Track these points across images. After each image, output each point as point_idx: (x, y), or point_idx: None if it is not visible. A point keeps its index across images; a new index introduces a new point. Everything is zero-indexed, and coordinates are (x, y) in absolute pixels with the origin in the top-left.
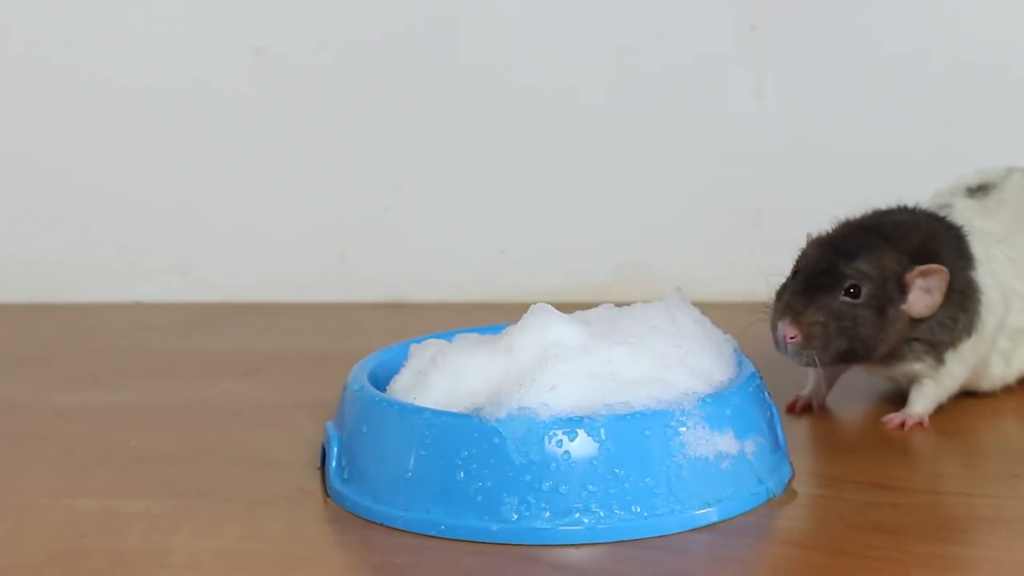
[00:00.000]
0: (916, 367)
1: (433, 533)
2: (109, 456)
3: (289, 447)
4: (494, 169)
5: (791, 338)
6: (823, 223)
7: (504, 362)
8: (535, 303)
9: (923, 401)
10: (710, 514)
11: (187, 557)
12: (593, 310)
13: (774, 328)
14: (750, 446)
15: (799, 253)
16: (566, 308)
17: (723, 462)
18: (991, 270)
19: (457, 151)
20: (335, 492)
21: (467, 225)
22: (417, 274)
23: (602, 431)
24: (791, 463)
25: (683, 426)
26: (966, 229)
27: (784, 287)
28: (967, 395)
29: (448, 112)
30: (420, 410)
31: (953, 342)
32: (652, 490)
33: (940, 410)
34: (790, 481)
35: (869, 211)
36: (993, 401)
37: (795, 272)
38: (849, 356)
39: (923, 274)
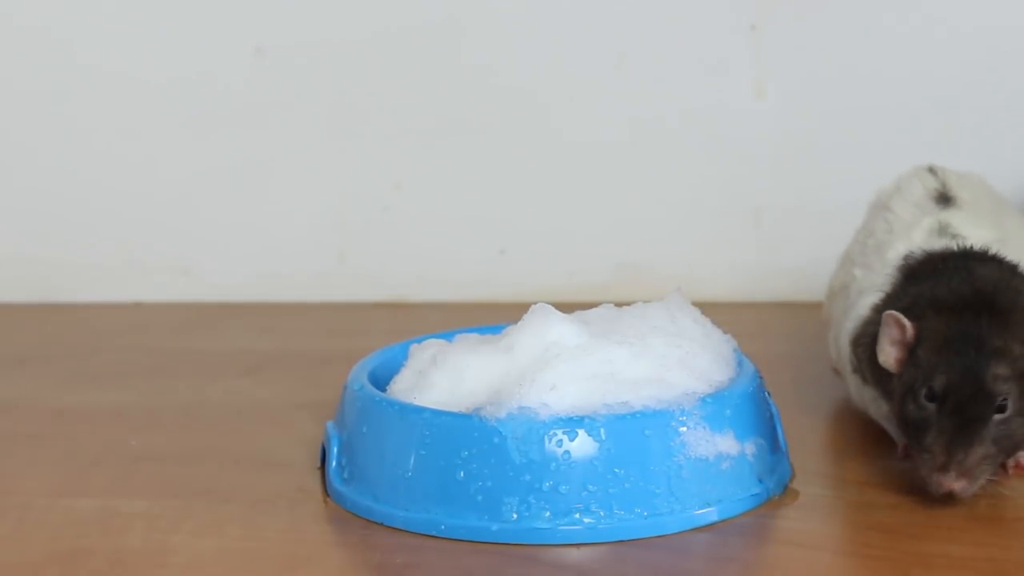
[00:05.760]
0: None
1: (433, 533)
2: (109, 456)
3: (289, 447)
4: (494, 169)
5: (961, 489)
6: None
7: (504, 362)
8: (535, 303)
9: None
10: (710, 514)
11: (187, 557)
12: (593, 310)
13: (930, 480)
14: (750, 446)
15: (926, 332)
16: (566, 308)
17: (723, 462)
18: None
19: (457, 151)
20: (335, 492)
21: (467, 225)
22: (417, 274)
23: (602, 431)
24: (791, 463)
25: (683, 426)
26: None
27: (921, 409)
28: None
29: (448, 112)
30: (420, 410)
31: None
32: (652, 490)
33: None
34: (790, 481)
35: (948, 263)
36: None
37: (934, 392)
38: None
39: None
